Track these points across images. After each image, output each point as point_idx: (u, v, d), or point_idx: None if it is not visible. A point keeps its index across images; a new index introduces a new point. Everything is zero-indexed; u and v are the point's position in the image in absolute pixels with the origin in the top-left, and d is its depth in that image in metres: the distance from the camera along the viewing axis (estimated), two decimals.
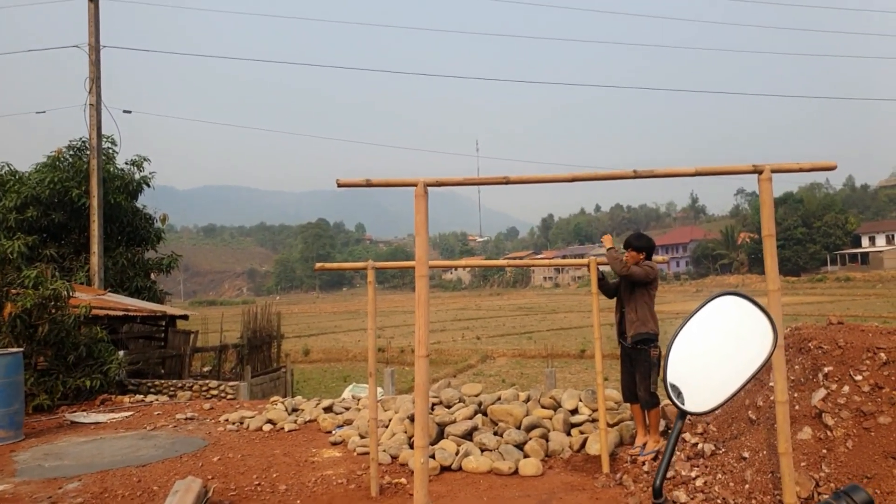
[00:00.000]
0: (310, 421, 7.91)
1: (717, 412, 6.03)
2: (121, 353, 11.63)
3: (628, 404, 6.00)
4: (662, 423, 5.98)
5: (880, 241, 67.22)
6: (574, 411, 6.56)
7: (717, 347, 0.90)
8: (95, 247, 15.14)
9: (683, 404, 0.86)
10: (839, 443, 4.58)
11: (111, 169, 16.92)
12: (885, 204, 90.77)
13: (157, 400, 10.54)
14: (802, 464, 4.60)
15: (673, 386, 0.88)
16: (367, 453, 5.49)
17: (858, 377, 4.82)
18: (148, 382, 11.94)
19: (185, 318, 16.26)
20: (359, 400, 8.63)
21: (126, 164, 17.66)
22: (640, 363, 5.57)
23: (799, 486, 4.17)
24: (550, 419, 6.43)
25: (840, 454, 4.47)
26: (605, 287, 5.86)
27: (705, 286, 56.42)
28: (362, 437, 6.62)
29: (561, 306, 50.15)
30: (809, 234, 66.09)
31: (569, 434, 6.28)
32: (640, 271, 5.60)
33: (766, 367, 6.20)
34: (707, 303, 0.93)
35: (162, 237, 18.22)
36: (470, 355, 26.23)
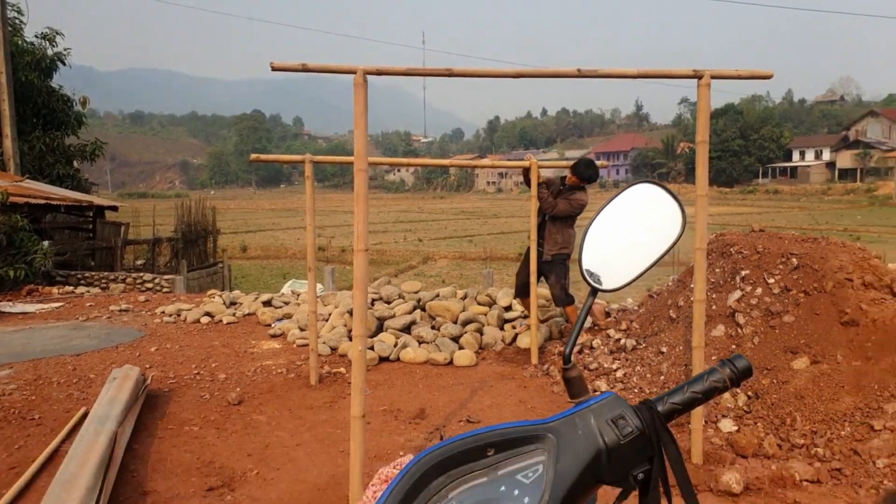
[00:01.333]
0: (248, 314, 8.01)
1: (641, 311, 6.45)
2: (45, 243, 11.28)
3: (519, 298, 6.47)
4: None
5: (809, 155, 69.98)
6: (508, 308, 6.87)
7: (630, 232, 1.00)
8: (7, 129, 14.13)
9: (595, 283, 0.97)
10: (747, 339, 5.01)
11: (19, 42, 15.61)
12: (818, 119, 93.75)
13: (88, 292, 10.39)
14: (713, 357, 5.03)
15: (587, 268, 0.98)
16: (307, 345, 5.67)
17: (771, 280, 5.21)
18: (77, 274, 11.69)
19: (113, 209, 15.76)
20: (298, 295, 8.75)
21: (36, 37, 16.31)
22: (556, 266, 6.03)
23: None
24: (485, 315, 6.72)
25: (746, 349, 4.89)
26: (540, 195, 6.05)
27: None
28: (301, 329, 6.78)
29: (502, 211, 50.85)
30: (746, 147, 68.09)
31: (502, 329, 6.61)
32: (565, 208, 5.92)
33: (689, 270, 6.55)
34: (624, 191, 1.02)
35: (83, 122, 17.21)
36: (411, 257, 26.55)
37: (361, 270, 3.01)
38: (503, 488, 0.83)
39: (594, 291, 0.97)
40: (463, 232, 36.41)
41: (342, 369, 5.71)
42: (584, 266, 0.97)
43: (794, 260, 5.20)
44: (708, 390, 0.91)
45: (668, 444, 0.87)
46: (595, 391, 0.92)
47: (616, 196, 1.02)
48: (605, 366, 5.65)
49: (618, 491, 0.92)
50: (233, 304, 8.50)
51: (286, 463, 3.88)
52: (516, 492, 0.82)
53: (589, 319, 6.57)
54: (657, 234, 0.99)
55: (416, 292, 7.24)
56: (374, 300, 7.01)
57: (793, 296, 5.02)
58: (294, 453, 4.01)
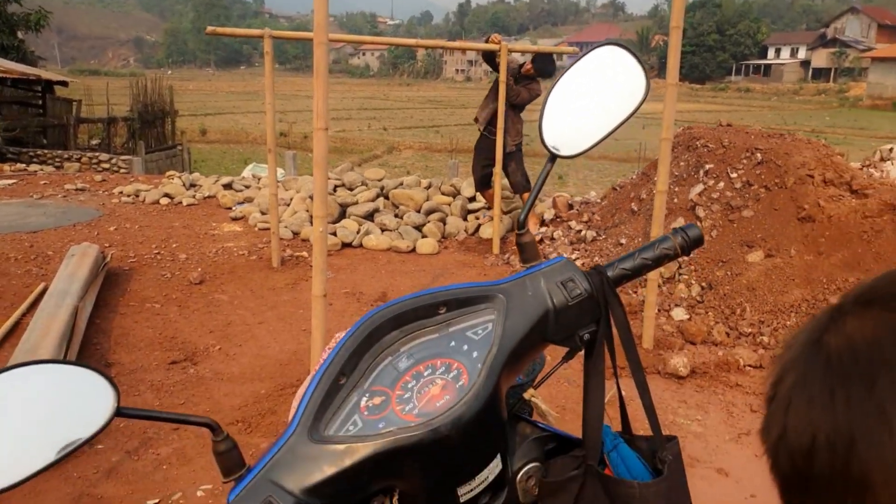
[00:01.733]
0: (209, 197, 7.88)
1: (603, 204, 6.53)
2: None
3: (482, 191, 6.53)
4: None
5: (785, 53, 69.29)
6: (472, 199, 6.88)
7: (592, 98, 0.98)
8: None
9: (554, 149, 0.96)
10: (706, 231, 5.15)
11: None
12: (798, 15, 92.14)
13: (41, 170, 10.04)
14: None
15: (547, 132, 0.96)
16: (268, 228, 5.63)
17: (734, 175, 5.29)
18: (29, 152, 11.26)
19: (63, 84, 14.98)
20: (259, 179, 8.61)
21: None
22: (516, 155, 6.11)
23: (663, 267, 4.73)
24: (449, 205, 6.74)
25: (705, 241, 5.04)
26: (491, 62, 5.90)
27: None
28: (263, 213, 6.72)
29: (471, 101, 49.82)
30: (721, 42, 66.93)
31: (465, 219, 6.65)
32: (527, 97, 5.93)
33: (654, 163, 6.60)
34: (588, 53, 0.99)
35: None
36: (375, 146, 26.11)
37: (321, 150, 2.95)
38: (453, 343, 0.85)
39: (553, 158, 0.96)
40: (429, 122, 35.74)
41: (304, 253, 5.72)
42: (544, 131, 0.95)
43: (758, 155, 5.26)
44: (658, 257, 0.92)
45: (615, 307, 0.89)
46: (546, 257, 0.93)
47: (580, 59, 0.98)
48: (566, 255, 5.78)
49: (564, 353, 0.96)
50: (192, 186, 8.33)
51: (248, 340, 3.96)
52: (465, 347, 0.84)
53: (553, 211, 6.65)
54: (619, 100, 0.97)
55: (379, 180, 7.18)
56: (336, 186, 6.94)
57: (754, 191, 5.12)
58: (256, 331, 4.08)
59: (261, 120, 30.85)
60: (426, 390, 0.81)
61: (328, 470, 0.74)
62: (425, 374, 0.82)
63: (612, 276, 0.90)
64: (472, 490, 0.83)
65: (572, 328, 0.88)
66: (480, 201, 6.86)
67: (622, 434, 0.97)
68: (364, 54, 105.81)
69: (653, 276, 4.07)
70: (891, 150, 5.76)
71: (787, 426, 0.36)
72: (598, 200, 6.84)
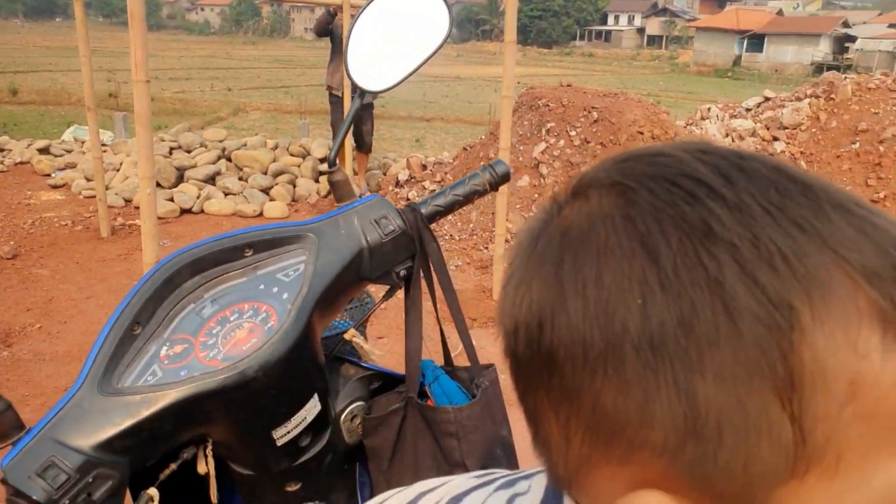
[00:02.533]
0: (21, 163, 7.08)
1: (455, 164, 6.66)
2: None
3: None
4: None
5: (623, 20, 73.67)
6: (323, 160, 6.74)
7: (396, 34, 0.98)
8: None
9: (362, 84, 0.95)
10: (548, 188, 5.41)
11: None
12: None
13: None
14: (517, 206, 5.40)
15: (353, 67, 0.95)
16: (95, 196, 5.18)
17: (573, 133, 5.59)
18: None
19: None
20: (83, 143, 7.87)
21: None
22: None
23: (510, 223, 4.93)
24: (299, 167, 6.56)
25: (547, 197, 5.30)
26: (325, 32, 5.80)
27: (465, 51, 58.08)
28: (88, 179, 6.17)
29: (321, 61, 48.42)
30: (566, 7, 69.86)
31: (317, 181, 6.51)
32: None
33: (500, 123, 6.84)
34: None
35: None
36: (220, 108, 24.66)
37: (143, 104, 2.74)
38: (262, 286, 0.83)
39: (361, 93, 0.95)
40: (278, 82, 34.25)
41: (138, 221, 5.34)
42: (350, 67, 0.94)
43: (594, 114, 5.58)
44: (469, 193, 0.95)
45: (429, 242, 0.91)
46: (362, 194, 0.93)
47: None
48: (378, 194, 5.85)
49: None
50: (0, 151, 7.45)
51: (75, 315, 3.65)
52: (275, 289, 0.82)
53: (407, 172, 6.68)
54: (424, 36, 0.98)
55: (220, 141, 6.82)
56: (171, 149, 6.51)
57: (591, 148, 5.45)
58: (84, 306, 3.77)
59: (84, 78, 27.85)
60: (232, 335, 0.78)
61: (123, 422, 0.70)
62: (232, 318, 0.80)
63: (425, 213, 0.92)
64: (288, 433, 0.83)
65: (388, 265, 0.89)
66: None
67: (445, 367, 1.00)
68: (203, 9, 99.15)
69: (500, 231, 4.23)
70: (709, 109, 6.34)
71: (501, 311, 0.38)
72: (451, 161, 6.96)
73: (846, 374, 0.30)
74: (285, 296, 0.81)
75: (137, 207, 5.68)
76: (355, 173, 6.51)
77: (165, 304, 0.79)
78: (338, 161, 0.95)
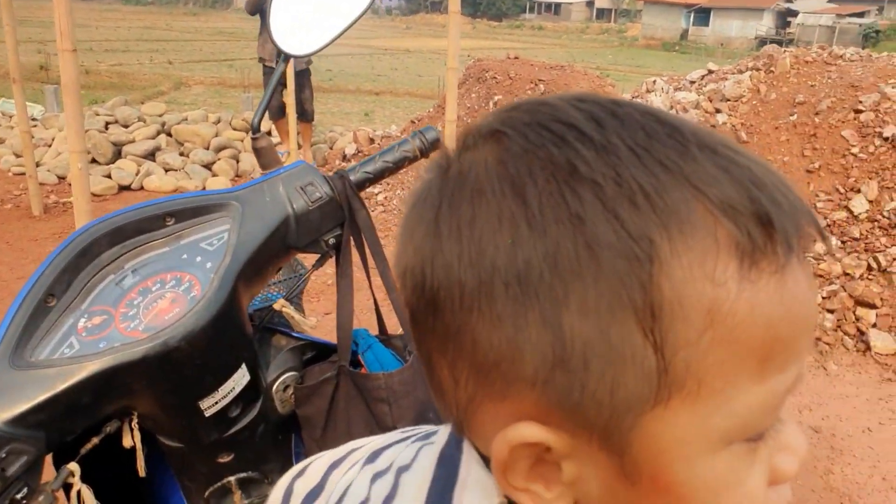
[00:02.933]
0: None
1: (402, 136, 6.63)
2: None
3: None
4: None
5: None
6: (269, 133, 6.61)
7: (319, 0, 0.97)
8: None
9: (287, 49, 0.94)
10: None
11: None
12: None
13: None
14: None
15: (277, 31, 0.93)
16: (25, 173, 4.97)
17: None
18: None
19: None
20: (11, 117, 7.52)
21: None
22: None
23: None
24: (242, 141, 6.41)
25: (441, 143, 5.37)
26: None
27: (415, 23, 57.44)
28: (17, 156, 5.91)
29: None
30: None
31: None
32: None
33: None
34: None
35: None
36: (160, 81, 23.83)
37: (70, 74, 2.63)
38: (185, 256, 0.82)
39: (286, 58, 0.94)
40: (221, 55, 33.28)
41: (73, 199, 5.15)
42: (273, 31, 0.92)
43: (541, 86, 5.61)
44: (399, 159, 0.95)
45: (358, 209, 0.91)
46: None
47: None
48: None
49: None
50: None
51: (6, 297, 3.52)
52: (199, 258, 0.81)
53: (354, 145, 6.61)
54: (347, 1, 0.97)
55: (159, 115, 6.62)
56: (108, 123, 6.28)
57: None
58: (15, 287, 3.62)
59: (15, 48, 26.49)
60: (154, 305, 0.77)
61: (38, 396, 0.69)
62: (153, 289, 0.79)
63: (354, 180, 0.92)
64: (216, 403, 0.82)
65: (316, 233, 0.89)
66: (276, 136, 6.62)
67: (379, 336, 1.01)
68: None
69: None
70: (654, 82, 6.44)
71: (395, 260, 0.39)
72: (398, 134, 6.92)
73: (704, 303, 0.31)
74: (209, 265, 0.80)
75: (19, 156, 5.47)
76: (300, 146, 6.40)
77: (82, 275, 0.77)
78: (260, 128, 0.94)
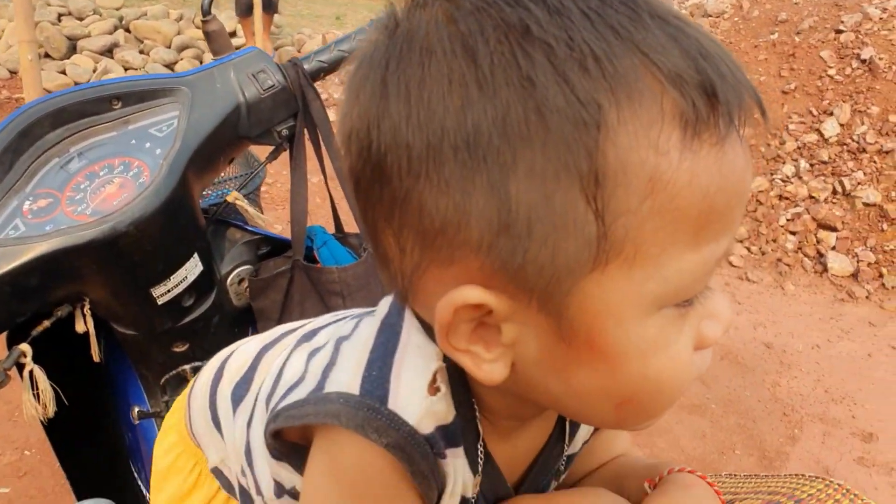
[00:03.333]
0: None
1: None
2: None
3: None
4: None
5: None
6: (233, 34, 6.35)
7: None
8: None
9: None
10: None
11: None
12: None
13: None
14: None
15: None
16: None
17: None
18: None
19: None
20: None
21: None
22: None
23: None
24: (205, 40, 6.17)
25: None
26: None
27: None
28: None
29: None
30: None
31: None
32: None
33: None
34: None
35: None
36: None
37: None
38: (134, 141, 0.81)
39: None
40: None
41: (24, 95, 4.96)
42: None
43: None
44: (354, 49, 0.94)
45: (312, 100, 0.90)
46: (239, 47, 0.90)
47: None
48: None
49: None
50: None
51: None
52: (147, 144, 0.80)
53: None
54: None
55: (116, 9, 6.30)
56: (60, 15, 5.97)
57: None
58: None
59: None
60: (101, 190, 0.77)
61: None
62: (101, 174, 0.78)
63: (308, 69, 0.90)
64: (169, 291, 0.83)
65: (269, 123, 0.88)
66: (241, 37, 6.37)
67: (335, 234, 1.02)
68: None
69: None
70: None
71: (338, 124, 0.39)
72: None
73: (646, 171, 0.32)
74: (158, 151, 0.79)
75: (14, 72, 5.26)
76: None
77: (25, 156, 0.76)
78: (211, 10, 0.91)
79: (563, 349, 0.36)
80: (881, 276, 3.23)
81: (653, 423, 0.40)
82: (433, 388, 0.40)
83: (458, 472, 0.43)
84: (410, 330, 0.42)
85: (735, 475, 0.65)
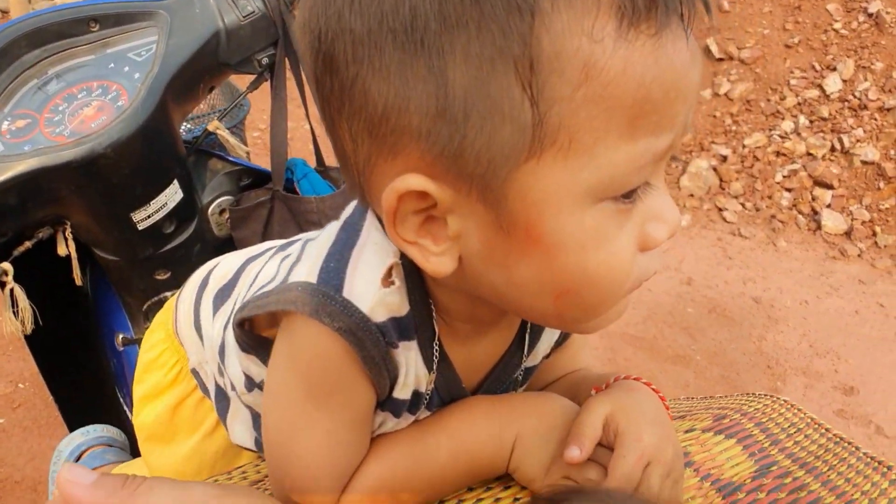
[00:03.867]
0: None
1: None
2: None
3: None
4: None
5: None
6: None
7: None
8: None
9: None
10: None
11: None
12: None
13: None
14: None
15: None
16: None
17: None
18: None
19: None
20: None
21: None
22: None
23: None
24: None
25: None
26: None
27: None
28: None
29: None
30: None
31: None
32: None
33: None
34: None
35: None
36: None
37: None
38: (112, 65, 0.82)
39: None
40: None
41: None
42: None
43: None
44: None
45: (293, 29, 0.90)
46: None
47: None
48: None
49: None
50: None
51: None
52: (126, 68, 0.81)
53: None
54: None
55: None
56: None
57: None
58: None
59: None
60: (80, 112, 0.78)
61: None
62: (79, 96, 0.79)
63: None
64: (149, 216, 0.85)
65: (249, 51, 0.89)
66: None
67: (317, 168, 1.04)
68: None
69: None
70: None
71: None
72: None
73: (580, 58, 0.33)
74: (137, 75, 0.80)
75: (6, 12, 5.17)
76: None
77: (2, 77, 0.77)
78: None
79: (503, 240, 0.38)
80: (874, 234, 3.25)
81: (594, 324, 0.42)
82: (387, 281, 0.43)
83: (411, 365, 0.46)
84: (370, 229, 0.45)
85: (692, 398, 0.69)
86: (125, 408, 1.09)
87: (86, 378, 1.13)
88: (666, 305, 2.72)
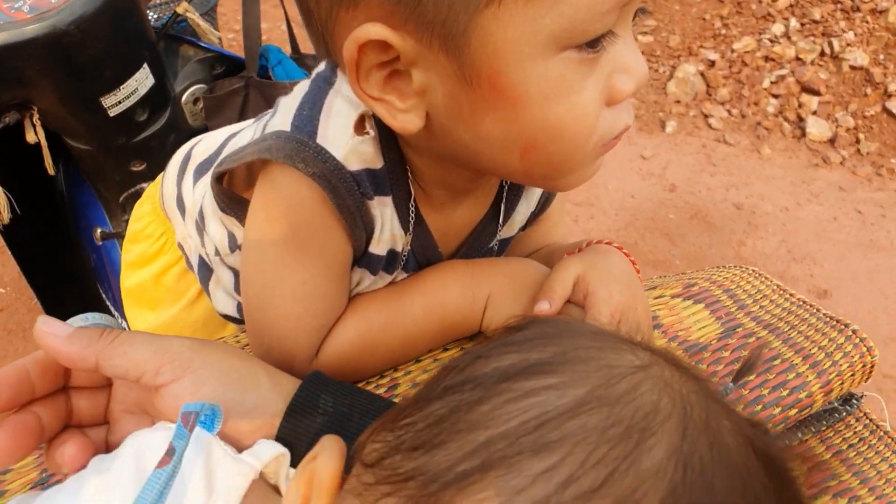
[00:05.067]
0: None
1: None
2: None
3: None
4: None
5: None
6: None
7: None
8: None
9: None
10: None
11: None
12: None
13: None
14: None
15: None
16: None
17: None
18: None
19: None
20: None
21: None
22: None
23: None
24: None
25: None
26: None
27: None
28: None
29: None
30: None
31: None
32: None
33: None
34: None
35: None
36: None
37: None
38: None
39: None
40: None
41: None
42: None
43: None
44: None
45: None
46: None
47: None
48: None
49: None
50: None
51: None
52: None
53: None
54: None
55: None
56: None
57: None
58: None
59: None
60: None
61: None
62: None
63: None
64: (120, 103, 0.84)
65: None
66: None
67: (292, 55, 1.01)
68: None
69: None
70: None
71: None
72: None
73: None
74: None
75: None
76: None
77: None
78: None
79: (467, 93, 0.38)
80: (857, 141, 3.27)
81: (565, 182, 0.43)
82: (360, 130, 0.43)
83: (387, 221, 0.47)
84: (342, 82, 0.45)
85: (665, 275, 0.71)
86: (107, 302, 1.11)
87: (67, 274, 1.14)
88: (648, 211, 2.75)
